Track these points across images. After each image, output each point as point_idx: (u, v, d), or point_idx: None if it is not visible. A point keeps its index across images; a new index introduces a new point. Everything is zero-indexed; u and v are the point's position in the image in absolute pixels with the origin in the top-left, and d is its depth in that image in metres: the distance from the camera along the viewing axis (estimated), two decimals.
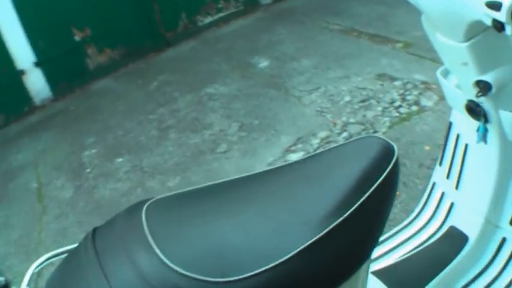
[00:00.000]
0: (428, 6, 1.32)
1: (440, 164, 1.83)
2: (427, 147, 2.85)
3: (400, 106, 3.21)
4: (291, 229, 0.98)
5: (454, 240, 1.71)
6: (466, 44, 1.29)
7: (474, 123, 1.52)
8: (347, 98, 3.36)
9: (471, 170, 1.70)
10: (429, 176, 2.68)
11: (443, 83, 1.63)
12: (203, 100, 3.84)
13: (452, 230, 1.74)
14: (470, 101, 1.47)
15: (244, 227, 1.00)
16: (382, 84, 3.43)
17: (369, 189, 1.02)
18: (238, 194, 1.09)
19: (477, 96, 1.38)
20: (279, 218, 1.01)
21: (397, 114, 3.15)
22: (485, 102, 1.42)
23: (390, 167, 1.05)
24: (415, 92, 3.30)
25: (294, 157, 2.98)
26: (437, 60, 3.45)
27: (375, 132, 3.04)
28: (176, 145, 3.43)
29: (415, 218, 1.91)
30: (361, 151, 1.10)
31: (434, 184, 1.88)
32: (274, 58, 4.05)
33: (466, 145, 1.70)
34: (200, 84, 4.04)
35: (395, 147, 1.10)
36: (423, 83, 3.37)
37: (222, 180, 1.11)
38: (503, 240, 1.63)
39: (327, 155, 1.13)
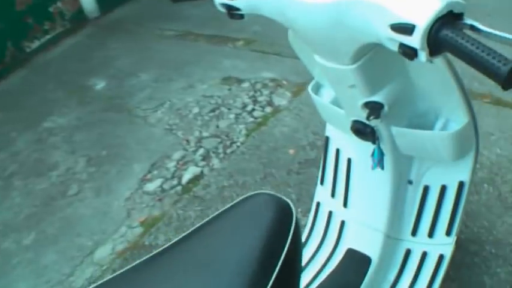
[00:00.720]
0: (309, 28, 1.00)
1: (322, 182, 1.58)
2: (291, 151, 2.50)
3: (253, 110, 2.83)
4: None
5: (356, 264, 1.47)
6: (353, 66, 1.03)
7: (359, 141, 1.27)
8: (195, 110, 2.92)
9: (360, 186, 1.47)
10: (301, 183, 2.34)
11: (317, 101, 1.35)
12: (43, 137, 3.24)
13: (351, 253, 1.49)
14: (357, 122, 1.21)
15: None
16: (229, 89, 3.02)
17: (274, 270, 0.83)
18: None
19: (369, 119, 1.14)
20: None
21: (252, 120, 2.76)
22: (377, 123, 1.18)
23: (291, 234, 0.87)
24: (266, 92, 2.93)
25: (151, 187, 2.51)
26: (282, 54, 3.13)
27: (233, 143, 2.64)
28: (23, 195, 2.82)
29: (304, 244, 1.62)
30: (253, 219, 0.91)
31: (318, 204, 1.60)
32: (111, 77, 3.51)
33: (349, 160, 1.47)
34: (37, 118, 3.43)
35: (292, 206, 0.92)
36: (272, 80, 3.02)
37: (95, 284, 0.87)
38: (408, 252, 1.44)
39: (215, 229, 0.93)
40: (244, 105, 2.86)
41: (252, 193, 0.98)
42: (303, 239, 1.62)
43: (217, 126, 2.77)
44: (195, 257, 0.88)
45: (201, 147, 2.67)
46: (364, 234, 1.47)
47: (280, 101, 2.84)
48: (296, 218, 0.91)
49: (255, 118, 2.76)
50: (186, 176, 2.52)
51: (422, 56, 0.78)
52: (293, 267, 0.91)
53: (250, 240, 0.87)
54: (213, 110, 2.89)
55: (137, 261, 0.91)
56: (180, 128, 2.83)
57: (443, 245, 1.40)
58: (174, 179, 2.54)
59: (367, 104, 1.12)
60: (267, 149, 2.54)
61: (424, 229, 1.41)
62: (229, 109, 2.86)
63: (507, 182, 2.09)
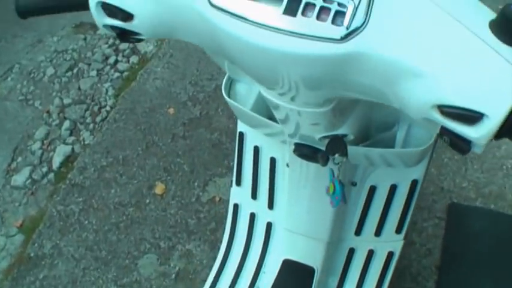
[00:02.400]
0: (272, 74, 0.61)
1: (238, 183, 1.22)
2: (171, 110, 1.99)
3: (117, 62, 2.24)
4: None
5: (298, 277, 1.16)
6: (321, 110, 0.68)
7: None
8: (50, 71, 2.28)
9: (291, 192, 1.10)
10: (190, 149, 1.87)
11: (235, 107, 0.94)
12: None
13: (290, 264, 1.15)
14: (304, 146, 0.86)
15: None
16: (85, 38, 2.37)
17: None
18: None
19: (331, 154, 0.80)
20: None
21: (118, 75, 2.19)
22: (341, 158, 0.85)
23: None
24: None
25: (19, 179, 1.95)
26: None
27: (101, 108, 2.07)
28: None
29: (227, 254, 1.26)
30: None
31: (237, 206, 1.25)
32: None
33: (273, 159, 1.14)
34: None
35: None
36: None
37: None
38: (351, 250, 1.18)
39: None
40: (106, 57, 2.25)
41: None
42: (224, 247, 1.24)
43: (79, 88, 2.17)
44: None
45: (65, 118, 2.09)
46: (302, 243, 1.15)
47: (146, 47, 2.25)
48: None
49: (121, 72, 2.18)
50: (57, 159, 1.96)
51: (480, 148, 0.50)
52: None
53: None
54: (70, 68, 2.26)
55: None
56: (37, 96, 2.20)
57: (392, 242, 1.16)
58: (43, 164, 1.97)
59: (327, 136, 0.78)
60: (142, 111, 2.00)
61: (369, 229, 1.15)
62: (88, 64, 2.25)
63: None
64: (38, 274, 1.71)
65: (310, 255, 1.15)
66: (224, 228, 1.23)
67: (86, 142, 1.98)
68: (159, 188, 1.79)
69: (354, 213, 1.14)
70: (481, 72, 0.47)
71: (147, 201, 1.77)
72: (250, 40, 0.55)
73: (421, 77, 0.49)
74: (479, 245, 1.50)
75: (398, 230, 1.13)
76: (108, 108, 2.06)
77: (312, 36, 0.52)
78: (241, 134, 1.18)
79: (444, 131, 0.51)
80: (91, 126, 2.03)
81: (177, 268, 1.63)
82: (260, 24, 0.54)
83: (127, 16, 0.66)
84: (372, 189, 1.11)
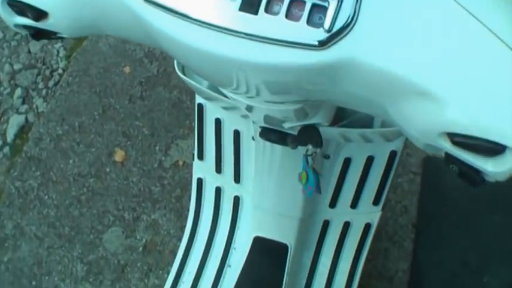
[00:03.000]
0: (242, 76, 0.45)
1: (201, 157, 1.13)
2: (126, 69, 1.83)
3: None
4: None
5: (271, 255, 1.06)
6: (291, 107, 0.56)
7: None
8: None
9: (260, 168, 1.00)
10: (149, 110, 1.74)
11: (192, 85, 0.83)
12: None
13: (261, 241, 1.06)
14: (270, 130, 0.75)
15: None
16: None
17: None
18: None
19: (304, 145, 0.72)
20: None
21: None
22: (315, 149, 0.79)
23: None
24: None
25: None
26: None
27: (53, 71, 1.90)
28: None
29: (194, 230, 1.16)
30: None
31: (201, 181, 1.16)
32: None
33: (237, 132, 1.05)
34: None
35: None
36: None
37: None
38: (326, 223, 1.11)
39: None
40: None
41: None
42: (189, 225, 1.14)
43: (29, 52, 1.98)
44: None
45: (17, 86, 1.91)
46: (272, 221, 1.06)
47: None
48: None
49: None
50: (11, 131, 1.81)
51: (493, 179, 0.40)
52: None
53: None
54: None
55: None
56: None
57: (369, 214, 1.10)
58: None
59: (298, 125, 0.68)
60: (96, 72, 1.83)
61: (345, 201, 1.08)
62: None
63: None
64: (2, 257, 1.60)
65: (282, 232, 1.06)
66: (190, 196, 1.14)
67: (40, 110, 1.82)
68: (118, 155, 1.65)
69: (327, 185, 1.06)
70: (506, 94, 0.36)
71: (108, 169, 1.64)
72: (194, 45, 0.41)
73: (427, 97, 0.36)
74: (456, 200, 1.40)
75: (375, 202, 1.07)
76: (60, 71, 1.88)
77: (279, 40, 0.38)
78: (201, 106, 1.07)
79: (452, 159, 0.40)
80: (44, 92, 1.85)
81: (143, 240, 1.53)
82: (208, 24, 0.40)
83: (40, 14, 0.52)
84: (347, 162, 1.03)
